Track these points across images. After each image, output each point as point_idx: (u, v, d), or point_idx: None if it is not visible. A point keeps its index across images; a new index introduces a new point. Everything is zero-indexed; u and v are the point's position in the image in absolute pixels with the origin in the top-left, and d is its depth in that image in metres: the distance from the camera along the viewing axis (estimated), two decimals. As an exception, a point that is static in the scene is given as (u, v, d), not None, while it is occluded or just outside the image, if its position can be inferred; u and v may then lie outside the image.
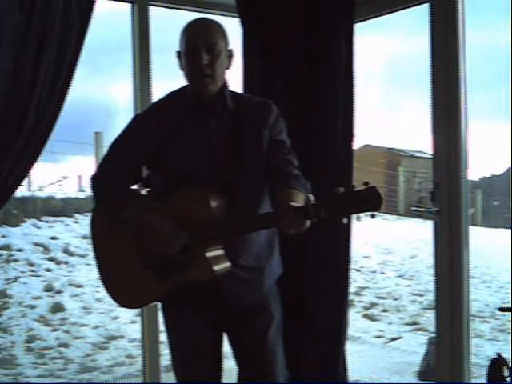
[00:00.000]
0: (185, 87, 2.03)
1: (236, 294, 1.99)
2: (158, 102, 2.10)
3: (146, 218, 1.90)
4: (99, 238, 2.08)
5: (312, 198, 1.74)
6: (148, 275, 1.94)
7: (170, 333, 2.12)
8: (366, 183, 1.60)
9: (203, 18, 2.02)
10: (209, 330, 2.06)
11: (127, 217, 1.93)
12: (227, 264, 1.89)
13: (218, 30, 1.97)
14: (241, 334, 2.08)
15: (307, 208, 1.67)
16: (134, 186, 2.10)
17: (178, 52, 1.99)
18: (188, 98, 2.00)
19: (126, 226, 1.96)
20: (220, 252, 1.88)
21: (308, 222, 1.68)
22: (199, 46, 1.91)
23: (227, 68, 2.01)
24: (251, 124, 1.98)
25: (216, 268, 1.85)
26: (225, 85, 2.01)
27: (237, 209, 1.89)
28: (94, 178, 2.06)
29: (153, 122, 2.01)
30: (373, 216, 1.62)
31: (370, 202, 1.58)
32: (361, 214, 1.64)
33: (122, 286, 2.02)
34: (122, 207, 1.94)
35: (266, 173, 1.96)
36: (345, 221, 1.66)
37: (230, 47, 2.01)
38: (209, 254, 1.85)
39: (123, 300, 2.05)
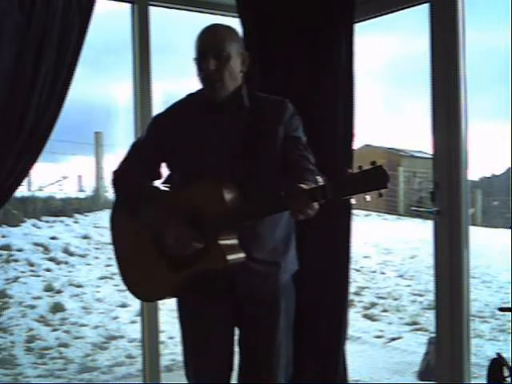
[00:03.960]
0: (203, 89, 2.07)
1: (250, 285, 2.01)
2: (176, 103, 2.16)
3: (164, 218, 1.96)
4: (118, 232, 2.15)
5: (320, 179, 1.76)
6: (164, 266, 1.98)
7: (183, 325, 2.15)
8: (372, 163, 1.63)
9: (214, 25, 2.06)
10: (222, 323, 2.07)
11: (143, 214, 2.00)
12: (241, 254, 1.91)
13: (227, 36, 2.00)
14: (250, 329, 2.09)
15: (314, 189, 1.70)
16: (157, 184, 2.15)
17: (195, 59, 2.04)
18: (205, 98, 2.05)
19: (143, 221, 2.02)
20: (234, 242, 1.91)
21: (316, 206, 1.72)
22: (206, 53, 1.97)
23: (241, 71, 2.04)
24: (266, 121, 2.02)
25: (229, 257, 1.87)
26: (241, 85, 2.05)
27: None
28: (115, 173, 2.14)
29: (169, 122, 2.09)
30: (380, 195, 1.65)
31: (377, 180, 1.61)
32: (368, 193, 1.67)
33: (138, 279, 2.08)
34: (137, 203, 2.01)
35: (281, 169, 1.99)
36: (353, 201, 1.70)
37: (243, 50, 2.04)
38: (222, 243, 1.88)
39: (140, 293, 2.12)
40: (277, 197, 1.88)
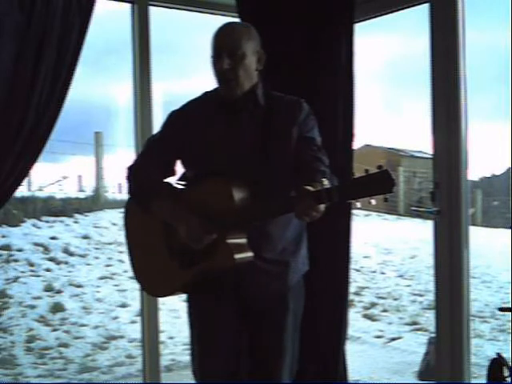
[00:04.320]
0: (218, 87, 2.07)
1: (259, 285, 2.01)
2: (191, 101, 2.15)
3: (175, 211, 1.97)
4: (131, 228, 2.18)
5: (326, 182, 1.76)
6: (174, 264, 2.00)
7: (191, 323, 2.15)
8: (379, 167, 1.65)
9: (230, 23, 2.08)
10: (229, 322, 2.07)
11: (155, 210, 2.01)
12: (249, 253, 1.91)
13: (243, 34, 2.00)
14: (257, 328, 2.08)
15: (320, 192, 1.70)
16: (171, 180, 2.16)
17: (211, 57, 2.04)
18: (221, 97, 2.05)
19: (154, 217, 2.04)
20: (242, 241, 1.91)
21: (322, 208, 1.72)
22: (221, 52, 1.97)
23: (257, 69, 2.04)
24: (281, 121, 2.02)
25: (237, 256, 1.88)
26: (257, 84, 2.04)
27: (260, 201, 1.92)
28: (129, 169, 2.14)
29: (183, 119, 2.09)
30: (385, 199, 1.66)
31: (382, 184, 1.63)
32: (373, 197, 1.67)
33: (150, 275, 2.11)
34: (150, 200, 2.02)
35: (294, 169, 1.98)
36: (358, 204, 1.72)
37: (259, 49, 2.04)
38: (231, 242, 1.88)
39: (151, 289, 2.17)
40: (284, 198, 1.88)
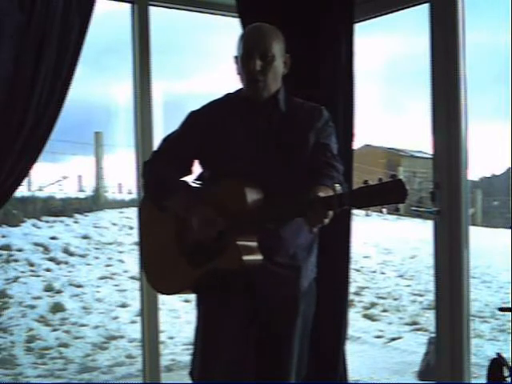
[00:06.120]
0: (241, 89, 2.08)
1: (269, 287, 2.01)
2: (213, 101, 2.16)
3: (190, 204, 1.97)
4: (145, 225, 2.19)
5: (338, 188, 1.75)
6: (183, 261, 2.00)
7: (198, 323, 2.14)
8: (392, 176, 1.64)
9: (259, 24, 2.08)
10: (236, 324, 2.05)
11: (170, 205, 2.02)
12: (258, 256, 1.91)
13: (273, 36, 2.02)
14: (264, 331, 2.07)
15: (332, 198, 1.70)
16: (188, 180, 2.16)
17: (236, 57, 2.05)
18: (242, 99, 2.06)
19: (168, 214, 2.04)
20: (252, 244, 1.91)
21: (331, 214, 1.72)
22: (252, 53, 1.97)
23: (283, 73, 2.06)
24: (298, 127, 2.03)
25: (245, 258, 1.88)
26: (279, 89, 2.05)
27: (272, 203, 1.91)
28: (145, 165, 2.16)
29: (203, 119, 2.10)
30: (397, 209, 1.65)
31: (395, 194, 1.62)
32: (384, 207, 1.67)
33: (159, 272, 2.12)
34: (166, 196, 2.02)
35: (307, 174, 1.99)
36: (369, 213, 1.70)
37: (286, 53, 2.06)
38: (240, 244, 1.88)
39: (160, 286, 2.15)
40: (296, 202, 1.87)
